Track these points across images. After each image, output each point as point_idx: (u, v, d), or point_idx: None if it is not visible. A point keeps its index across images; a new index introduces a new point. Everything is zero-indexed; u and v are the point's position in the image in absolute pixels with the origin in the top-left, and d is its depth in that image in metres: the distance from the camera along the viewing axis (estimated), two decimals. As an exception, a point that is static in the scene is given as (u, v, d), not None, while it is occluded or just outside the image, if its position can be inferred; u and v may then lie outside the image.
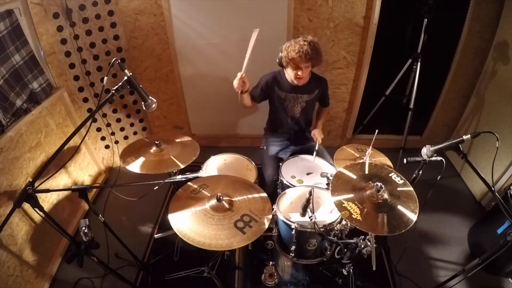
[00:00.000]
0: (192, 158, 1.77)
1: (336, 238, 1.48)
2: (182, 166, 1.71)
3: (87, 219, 1.32)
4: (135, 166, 1.70)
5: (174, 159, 1.75)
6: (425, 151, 1.44)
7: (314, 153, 1.92)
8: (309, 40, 1.70)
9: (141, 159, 1.74)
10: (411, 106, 2.36)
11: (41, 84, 1.97)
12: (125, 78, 1.31)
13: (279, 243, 1.66)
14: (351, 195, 1.35)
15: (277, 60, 1.83)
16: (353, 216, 1.26)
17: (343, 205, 1.30)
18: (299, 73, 1.77)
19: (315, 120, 2.24)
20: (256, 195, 1.48)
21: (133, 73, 1.35)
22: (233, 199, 1.42)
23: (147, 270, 2.00)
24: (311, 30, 2.40)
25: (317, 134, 2.03)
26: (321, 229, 1.41)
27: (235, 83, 1.76)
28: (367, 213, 1.28)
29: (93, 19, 2.26)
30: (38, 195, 1.21)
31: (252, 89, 2.00)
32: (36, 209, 1.22)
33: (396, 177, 1.45)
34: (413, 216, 1.28)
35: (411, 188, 1.40)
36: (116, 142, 2.92)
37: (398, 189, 1.40)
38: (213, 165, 1.96)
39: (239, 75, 1.73)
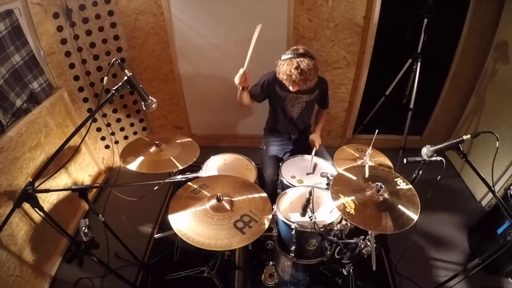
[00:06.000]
0: (191, 160, 1.77)
1: (336, 238, 1.48)
2: (180, 167, 1.71)
3: (87, 219, 1.32)
4: (134, 165, 1.71)
5: (173, 160, 1.75)
6: (425, 151, 1.44)
7: (311, 160, 1.88)
8: (301, 67, 1.65)
9: (140, 158, 1.75)
10: (411, 106, 2.36)
11: (41, 84, 1.97)
12: (125, 78, 1.31)
13: (279, 243, 1.66)
14: (350, 193, 1.36)
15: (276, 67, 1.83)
16: (346, 209, 1.28)
17: (340, 198, 1.33)
18: (290, 88, 1.80)
19: (314, 123, 2.22)
20: (256, 195, 1.48)
21: (133, 73, 1.35)
22: (233, 199, 1.42)
23: (147, 270, 2.00)
24: (311, 30, 2.40)
25: (315, 140, 2.01)
26: (321, 229, 1.41)
27: (237, 79, 1.78)
28: (369, 212, 1.28)
29: (93, 19, 2.26)
30: (38, 195, 1.21)
31: (252, 87, 1.99)
32: (36, 209, 1.22)
33: (401, 183, 1.44)
34: (413, 216, 1.28)
35: (413, 192, 1.39)
36: (116, 142, 2.92)
37: (398, 188, 1.40)
38: (213, 165, 1.96)
39: (241, 71, 1.76)
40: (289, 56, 1.70)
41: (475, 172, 1.34)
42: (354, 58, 2.53)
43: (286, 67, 1.70)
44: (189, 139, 1.98)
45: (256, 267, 1.81)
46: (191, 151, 1.85)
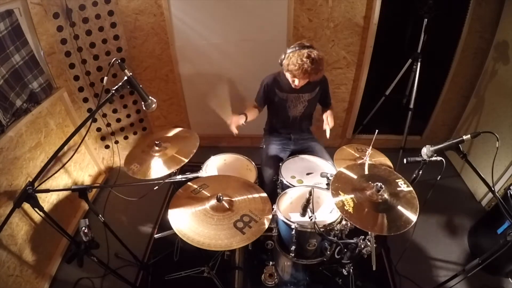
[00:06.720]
0: (193, 150, 1.74)
1: (336, 238, 1.48)
2: (186, 160, 1.68)
3: (87, 219, 1.33)
4: (144, 174, 1.64)
5: (177, 156, 1.71)
6: (425, 151, 1.44)
7: (327, 132, 1.87)
8: (312, 56, 1.64)
9: (146, 163, 1.70)
10: (411, 106, 2.36)
11: (41, 84, 1.97)
12: (125, 78, 1.31)
13: (279, 243, 1.66)
14: (350, 191, 1.36)
15: (279, 61, 1.82)
16: (345, 207, 1.28)
17: (340, 196, 1.33)
18: (296, 82, 1.78)
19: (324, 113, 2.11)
20: (256, 195, 1.48)
21: (133, 73, 1.35)
22: (233, 199, 1.42)
23: (147, 270, 2.00)
24: (311, 30, 2.40)
25: (329, 117, 1.91)
26: (321, 229, 1.41)
27: (233, 128, 1.88)
28: (366, 212, 1.28)
29: (93, 19, 2.26)
30: (38, 195, 1.21)
31: (256, 96, 2.02)
32: (36, 209, 1.22)
33: (402, 184, 1.43)
34: (412, 217, 1.28)
35: (413, 194, 1.39)
36: (116, 142, 2.92)
37: (398, 189, 1.40)
38: (213, 165, 1.96)
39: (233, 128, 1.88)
40: (296, 48, 1.69)
41: (475, 172, 1.34)
42: (354, 58, 2.53)
43: (296, 57, 1.66)
44: (183, 129, 1.98)
45: (256, 267, 1.81)
46: (190, 142, 1.82)
